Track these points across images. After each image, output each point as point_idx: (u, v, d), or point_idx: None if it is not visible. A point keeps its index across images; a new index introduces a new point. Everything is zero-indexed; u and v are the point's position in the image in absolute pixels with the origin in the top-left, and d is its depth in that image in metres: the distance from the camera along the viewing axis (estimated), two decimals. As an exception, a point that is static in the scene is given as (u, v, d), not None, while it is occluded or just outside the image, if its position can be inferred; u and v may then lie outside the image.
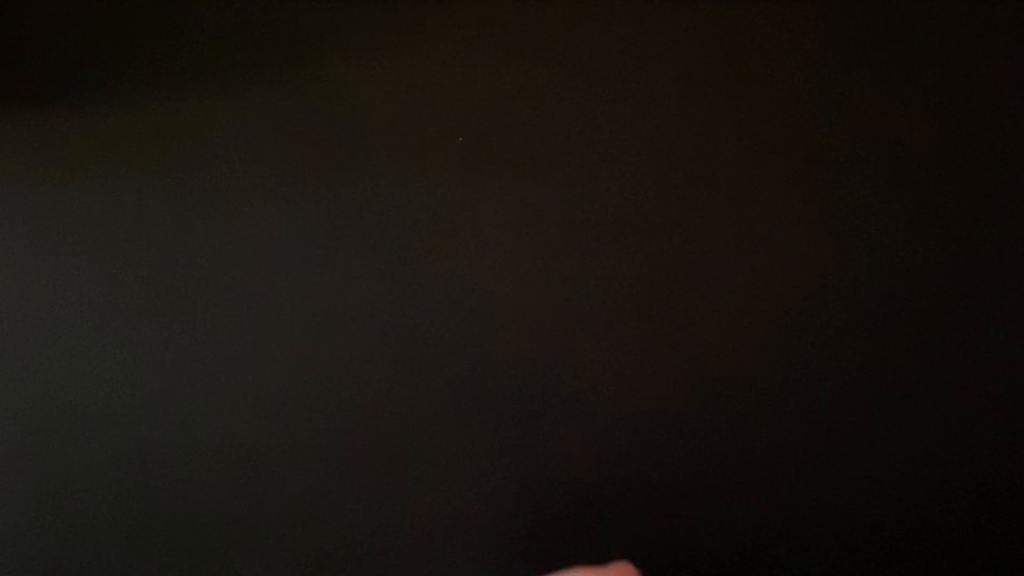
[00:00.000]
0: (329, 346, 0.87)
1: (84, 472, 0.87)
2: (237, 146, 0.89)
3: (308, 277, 0.88)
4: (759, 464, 0.86)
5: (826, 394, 0.86)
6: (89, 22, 0.90)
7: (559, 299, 0.87)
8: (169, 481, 0.87)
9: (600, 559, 0.86)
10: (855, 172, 0.88)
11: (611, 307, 0.87)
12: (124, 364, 0.88)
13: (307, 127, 0.89)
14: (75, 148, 0.89)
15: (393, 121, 0.89)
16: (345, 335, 0.87)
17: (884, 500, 0.86)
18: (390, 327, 0.88)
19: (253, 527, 0.87)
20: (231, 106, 0.89)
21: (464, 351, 0.87)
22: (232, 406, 0.88)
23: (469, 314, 0.87)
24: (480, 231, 0.88)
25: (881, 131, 0.88)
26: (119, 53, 0.90)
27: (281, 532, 0.87)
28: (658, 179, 0.88)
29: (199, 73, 0.89)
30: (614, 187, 0.88)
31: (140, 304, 0.88)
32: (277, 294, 0.88)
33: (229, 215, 0.88)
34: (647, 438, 0.87)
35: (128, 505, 0.87)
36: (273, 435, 0.88)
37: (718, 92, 0.88)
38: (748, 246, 0.87)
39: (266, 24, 0.89)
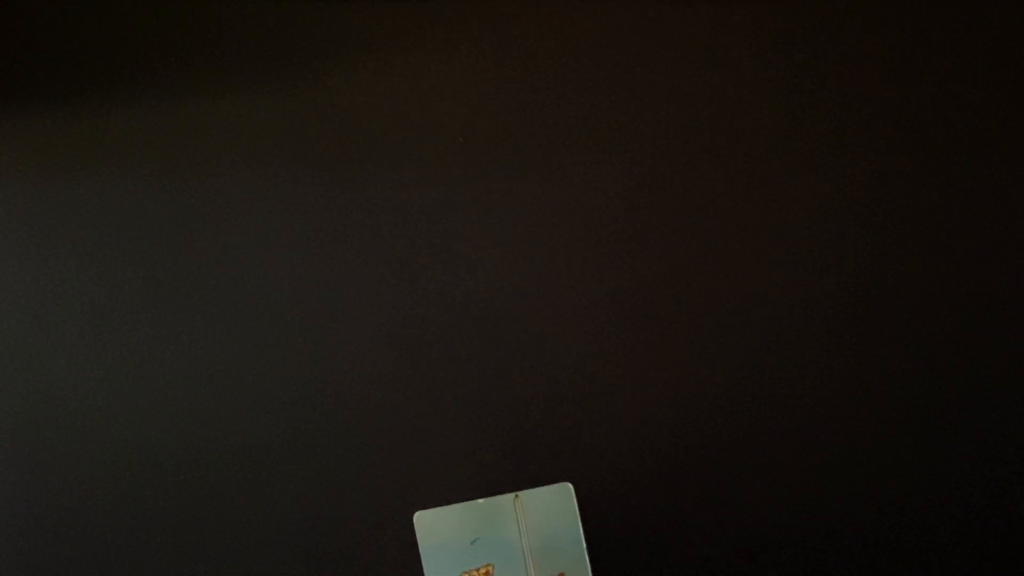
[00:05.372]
0: (329, 346, 0.87)
1: (84, 472, 0.87)
2: (237, 146, 0.89)
3: (308, 277, 0.88)
4: (759, 462, 0.86)
5: (826, 394, 0.87)
6: (89, 22, 0.90)
7: (559, 298, 0.87)
8: (169, 481, 0.87)
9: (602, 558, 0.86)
10: (856, 173, 0.88)
11: (611, 306, 0.87)
12: (124, 364, 0.88)
13: (307, 127, 0.89)
14: (75, 148, 0.89)
15: (393, 121, 0.89)
16: (345, 335, 0.87)
17: (884, 499, 0.86)
18: (390, 326, 0.88)
19: (253, 526, 0.87)
20: (231, 106, 0.89)
21: (464, 351, 0.87)
22: (232, 406, 0.88)
23: (469, 314, 0.87)
24: (480, 231, 0.88)
25: (882, 132, 0.88)
26: (119, 53, 0.90)
27: (280, 531, 0.87)
28: (658, 179, 0.88)
29: (199, 73, 0.89)
30: (614, 187, 0.88)
31: (140, 304, 0.88)
32: (277, 294, 0.88)
33: (229, 215, 0.88)
34: (647, 436, 0.87)
35: (128, 505, 0.87)
36: (273, 435, 0.88)
37: (719, 93, 0.88)
38: (748, 246, 0.87)
39: (266, 24, 0.89)
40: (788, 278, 0.87)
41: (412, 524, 0.86)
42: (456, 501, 0.87)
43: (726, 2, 0.89)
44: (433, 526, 0.86)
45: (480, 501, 0.86)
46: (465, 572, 0.86)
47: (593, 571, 0.86)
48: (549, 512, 0.86)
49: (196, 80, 0.89)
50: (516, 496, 0.86)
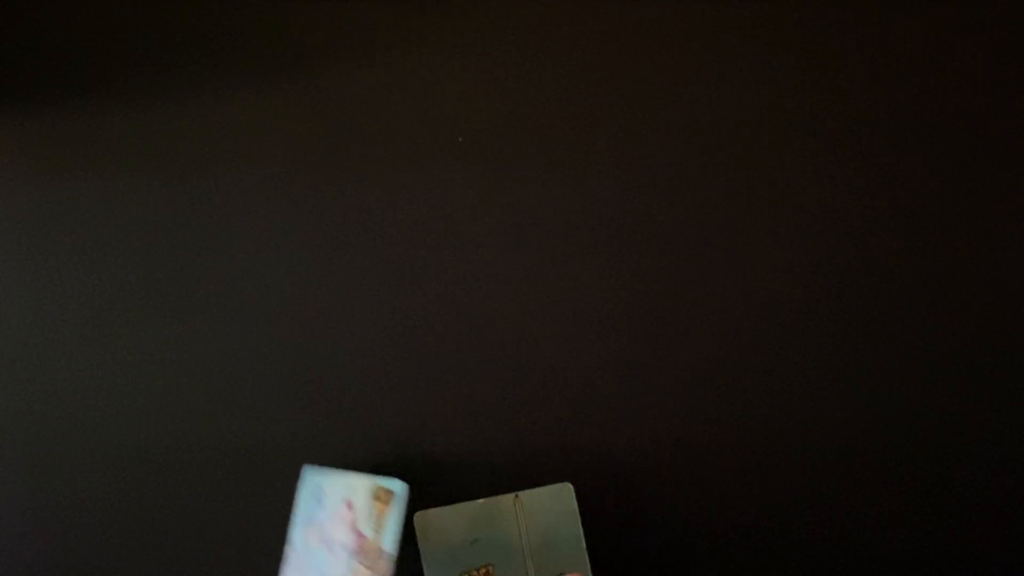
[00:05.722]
0: (328, 345, 0.87)
1: (83, 471, 0.87)
2: (237, 146, 0.89)
3: (308, 277, 0.88)
4: (760, 462, 0.86)
5: (827, 394, 0.87)
6: (89, 22, 0.90)
7: (559, 298, 0.87)
8: (168, 481, 0.87)
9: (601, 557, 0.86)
10: (854, 172, 0.88)
11: (611, 305, 0.87)
12: (124, 364, 0.88)
13: (307, 127, 0.89)
14: (75, 148, 0.89)
15: (393, 121, 0.89)
16: (344, 334, 0.87)
17: (886, 499, 0.86)
18: (390, 326, 0.88)
19: (251, 526, 0.88)
20: (231, 106, 0.89)
21: (463, 350, 0.87)
22: (231, 406, 0.88)
23: (469, 313, 0.87)
24: (480, 230, 0.88)
25: (880, 131, 0.88)
26: (119, 53, 0.90)
27: (280, 531, 0.87)
28: (658, 179, 0.88)
29: (199, 73, 0.89)
30: (614, 187, 0.88)
31: (140, 304, 0.88)
32: (277, 294, 0.88)
33: (229, 215, 0.88)
34: (647, 436, 0.87)
35: (127, 504, 0.87)
36: (272, 435, 0.88)
37: (718, 93, 0.88)
38: (749, 246, 0.87)
39: (266, 24, 0.89)
40: (789, 278, 0.87)
41: (412, 524, 0.86)
42: (456, 501, 0.87)
43: (727, 2, 0.89)
44: (433, 526, 0.86)
45: (480, 501, 0.86)
46: (465, 572, 0.86)
47: (593, 571, 0.86)
48: (549, 512, 0.86)
49: (196, 80, 0.89)
50: (516, 496, 0.86)
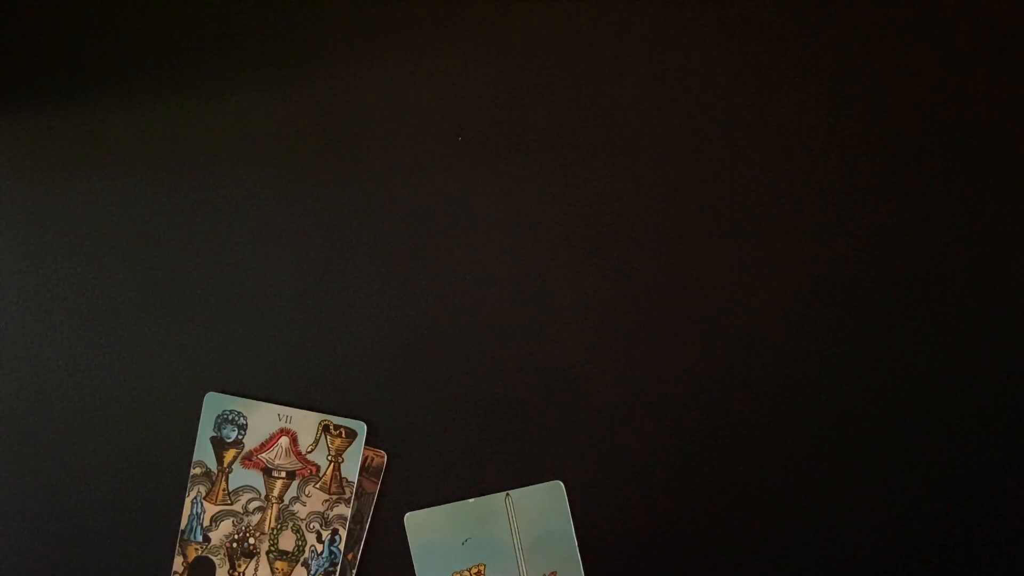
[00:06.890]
0: (326, 345, 0.87)
1: (82, 472, 0.86)
2: (237, 146, 0.89)
3: (307, 275, 0.88)
4: (753, 459, 0.86)
5: (822, 392, 0.87)
6: (89, 22, 0.90)
7: (559, 299, 0.87)
8: (168, 481, 0.87)
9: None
10: (855, 172, 0.88)
11: (604, 303, 0.87)
12: (124, 364, 0.87)
13: (307, 127, 0.89)
14: (75, 148, 0.89)
15: (393, 120, 0.89)
16: (342, 334, 0.87)
17: (887, 500, 0.86)
18: (387, 326, 0.87)
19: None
20: (231, 106, 0.89)
21: (463, 351, 0.87)
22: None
23: (469, 313, 0.87)
24: (479, 230, 0.88)
25: (881, 131, 0.88)
26: (119, 53, 0.90)
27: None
28: (659, 178, 0.88)
29: (199, 73, 0.89)
30: (611, 186, 0.88)
31: (139, 304, 0.88)
32: (277, 294, 0.88)
33: (229, 215, 0.88)
34: (638, 433, 0.87)
35: (127, 505, 0.86)
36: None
37: (718, 92, 0.89)
38: (745, 245, 0.87)
39: (265, 24, 0.89)
40: (787, 277, 0.87)
41: (402, 525, 0.86)
42: (446, 501, 0.87)
43: (729, 2, 0.89)
44: (424, 527, 0.86)
45: (471, 501, 0.86)
46: (457, 572, 0.85)
47: (585, 569, 0.86)
48: (540, 511, 0.86)
49: (196, 80, 0.89)
50: (507, 495, 0.86)
